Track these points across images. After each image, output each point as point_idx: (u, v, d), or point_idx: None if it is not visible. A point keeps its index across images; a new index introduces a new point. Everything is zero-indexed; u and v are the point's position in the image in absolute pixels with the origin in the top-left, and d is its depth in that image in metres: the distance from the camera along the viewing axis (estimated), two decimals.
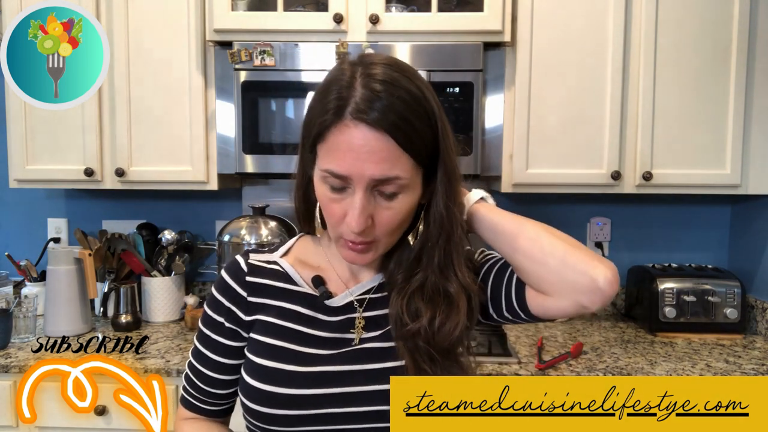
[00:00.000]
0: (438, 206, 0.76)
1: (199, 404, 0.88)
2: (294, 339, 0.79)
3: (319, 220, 0.83)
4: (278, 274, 0.83)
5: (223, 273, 0.85)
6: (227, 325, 0.82)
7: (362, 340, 0.79)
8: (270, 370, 0.77)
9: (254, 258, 0.85)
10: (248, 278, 0.83)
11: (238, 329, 0.82)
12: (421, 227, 0.79)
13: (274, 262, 0.85)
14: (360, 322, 0.80)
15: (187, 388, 0.88)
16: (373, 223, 0.73)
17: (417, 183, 0.74)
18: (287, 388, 0.76)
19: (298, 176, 0.82)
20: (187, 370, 0.87)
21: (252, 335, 0.81)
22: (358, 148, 0.69)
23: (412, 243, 0.81)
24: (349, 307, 0.81)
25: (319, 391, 0.76)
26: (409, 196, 0.74)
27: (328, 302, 0.81)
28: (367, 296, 0.82)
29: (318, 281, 0.82)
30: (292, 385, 0.76)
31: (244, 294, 0.82)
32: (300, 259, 0.85)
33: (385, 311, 0.80)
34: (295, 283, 0.83)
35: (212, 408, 0.88)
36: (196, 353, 0.86)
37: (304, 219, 0.85)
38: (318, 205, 0.81)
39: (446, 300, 0.77)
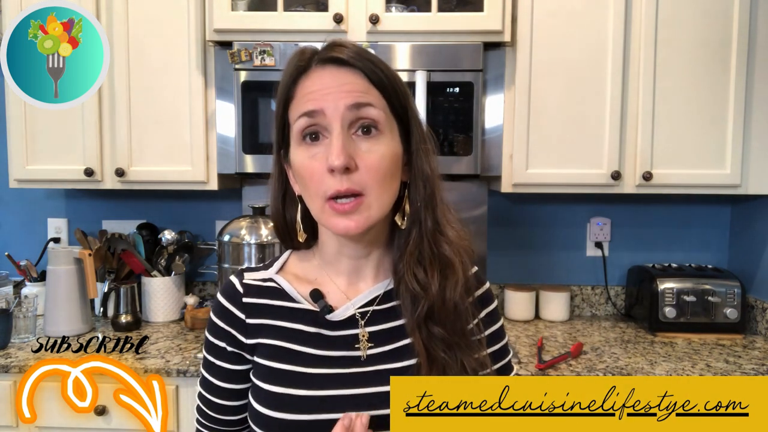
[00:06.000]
0: (420, 162, 0.76)
1: None
2: (299, 361, 0.75)
3: (301, 224, 0.81)
4: (276, 292, 0.80)
5: (219, 296, 0.82)
6: (229, 349, 0.79)
7: (369, 357, 0.76)
8: (279, 396, 0.74)
9: (249, 277, 0.82)
10: (245, 299, 0.80)
11: (242, 352, 0.79)
12: (407, 207, 0.78)
13: (270, 279, 0.81)
14: (364, 335, 0.77)
15: (200, 419, 0.85)
16: (357, 168, 0.71)
17: (393, 130, 0.75)
18: (298, 414, 0.73)
19: (274, 182, 0.81)
20: (198, 400, 0.84)
21: (256, 359, 0.78)
22: (328, 83, 0.72)
23: (400, 224, 0.78)
24: (352, 320, 0.78)
25: (331, 416, 0.72)
26: (388, 140, 0.73)
27: (329, 317, 0.77)
28: (371, 308, 0.79)
29: (317, 295, 0.79)
30: (303, 410, 0.73)
31: (243, 316, 0.79)
32: (296, 275, 0.82)
33: (392, 324, 0.78)
34: (293, 300, 0.79)
35: None
36: (203, 381, 0.83)
37: (284, 228, 0.83)
38: (299, 211, 0.80)
39: (441, 261, 0.76)
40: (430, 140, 0.78)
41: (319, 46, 0.76)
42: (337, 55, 0.73)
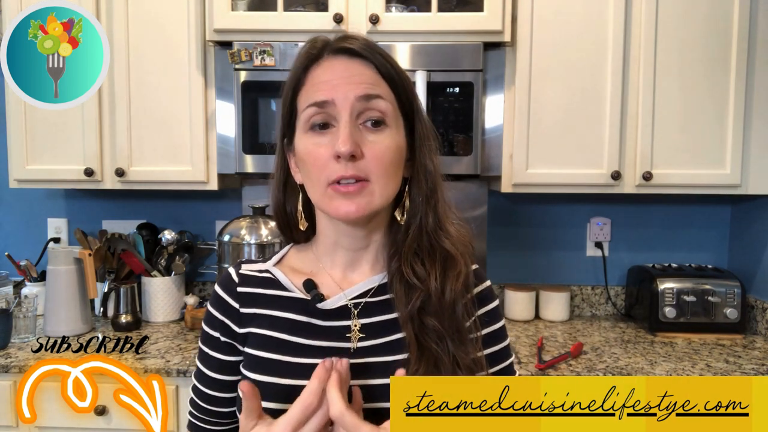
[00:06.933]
0: (423, 157, 0.77)
1: (204, 426, 0.84)
2: (287, 350, 0.75)
3: (301, 211, 0.80)
4: (269, 282, 0.80)
5: (216, 286, 0.82)
6: (222, 339, 0.79)
7: (359, 350, 0.75)
8: (266, 386, 0.74)
9: (246, 268, 0.82)
10: (239, 289, 0.80)
11: (234, 342, 0.79)
12: (407, 203, 0.78)
13: (266, 271, 0.82)
14: (356, 326, 0.77)
15: (192, 411, 0.85)
16: (363, 156, 0.71)
17: (399, 125, 0.75)
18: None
19: (277, 170, 0.81)
20: (191, 392, 0.85)
21: (246, 350, 0.78)
22: (339, 73, 0.72)
23: (400, 219, 0.78)
24: (344, 311, 0.77)
25: None
26: (394, 133, 0.74)
27: (320, 305, 0.77)
28: (363, 300, 0.78)
29: (310, 285, 0.79)
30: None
31: (237, 305, 0.79)
32: (293, 267, 0.83)
33: (385, 317, 0.77)
34: (286, 290, 0.79)
35: (218, 428, 0.84)
36: (197, 372, 0.83)
37: (284, 219, 0.83)
38: (300, 201, 0.80)
39: (442, 254, 0.76)
40: (433, 137, 0.79)
41: (330, 36, 0.77)
42: (349, 45, 0.74)
